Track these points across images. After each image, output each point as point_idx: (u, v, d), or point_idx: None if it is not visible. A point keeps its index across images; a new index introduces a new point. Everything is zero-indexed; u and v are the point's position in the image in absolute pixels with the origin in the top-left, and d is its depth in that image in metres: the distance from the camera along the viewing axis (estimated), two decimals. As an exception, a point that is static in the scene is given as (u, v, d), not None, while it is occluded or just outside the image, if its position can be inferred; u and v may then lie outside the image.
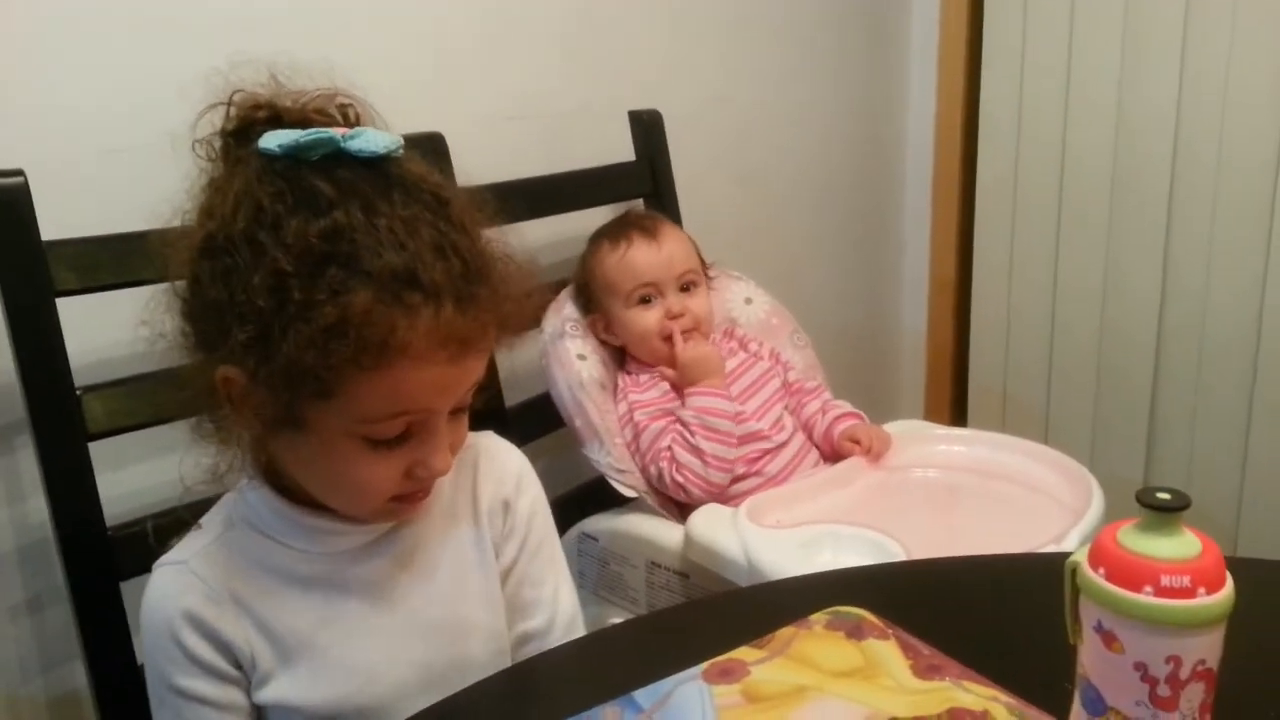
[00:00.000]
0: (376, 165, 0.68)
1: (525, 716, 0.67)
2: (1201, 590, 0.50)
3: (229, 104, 0.71)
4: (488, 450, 0.86)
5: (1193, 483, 1.87)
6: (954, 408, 2.29)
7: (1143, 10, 1.81)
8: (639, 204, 1.57)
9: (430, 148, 1.20)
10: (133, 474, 1.09)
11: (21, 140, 1.00)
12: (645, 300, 1.36)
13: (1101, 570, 0.52)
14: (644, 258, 1.36)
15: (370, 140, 0.68)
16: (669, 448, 1.30)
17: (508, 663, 0.83)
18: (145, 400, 0.99)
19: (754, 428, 1.34)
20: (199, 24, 1.12)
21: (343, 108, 0.73)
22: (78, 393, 0.94)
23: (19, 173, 0.90)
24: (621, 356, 1.43)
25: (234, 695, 0.76)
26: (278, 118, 0.70)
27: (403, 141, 0.70)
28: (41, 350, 0.92)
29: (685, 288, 1.38)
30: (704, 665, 0.71)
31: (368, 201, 0.66)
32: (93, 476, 0.94)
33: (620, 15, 1.61)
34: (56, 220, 0.94)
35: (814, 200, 2.07)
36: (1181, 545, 0.51)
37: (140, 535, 0.97)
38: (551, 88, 1.54)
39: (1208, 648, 0.51)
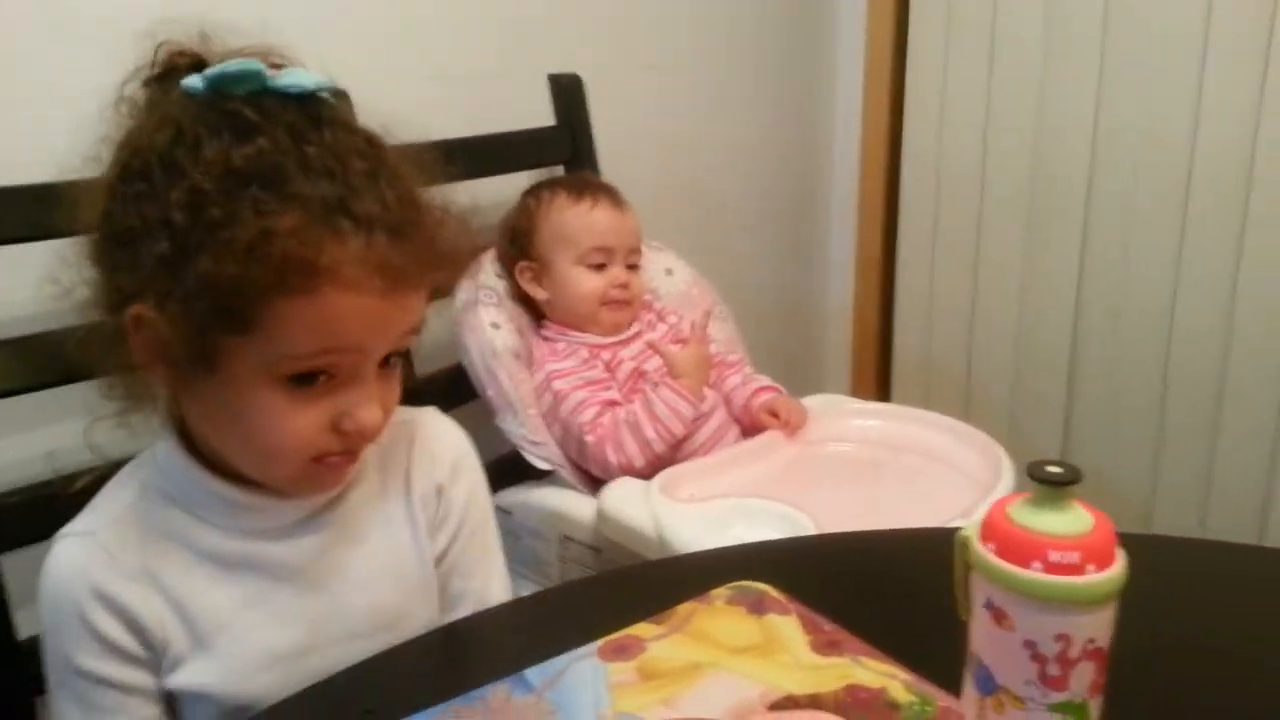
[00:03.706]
0: (306, 103, 0.66)
1: (411, 695, 0.65)
2: (1091, 567, 0.49)
3: (153, 61, 0.68)
4: (425, 429, 0.82)
5: (1109, 459, 1.90)
6: (879, 383, 2.30)
7: (1064, 7, 1.82)
8: (559, 170, 1.53)
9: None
10: (14, 442, 1.04)
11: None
12: (596, 264, 1.33)
13: (992, 545, 0.51)
14: (609, 221, 1.34)
15: (300, 77, 0.65)
16: (600, 423, 1.27)
17: None
18: (28, 364, 0.94)
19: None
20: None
21: (275, 67, 0.68)
22: (-50, 353, 0.88)
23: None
24: (535, 322, 1.39)
25: (142, 678, 0.71)
26: (201, 65, 0.66)
27: (334, 83, 0.67)
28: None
29: (632, 265, 1.37)
30: (600, 642, 0.70)
31: (297, 131, 0.64)
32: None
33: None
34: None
35: (740, 174, 2.05)
36: (1072, 521, 0.50)
37: (20, 506, 0.93)
38: (471, 48, 1.49)
39: (1098, 626, 0.50)
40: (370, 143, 0.67)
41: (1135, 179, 1.80)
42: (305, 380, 0.65)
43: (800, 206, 2.25)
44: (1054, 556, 0.49)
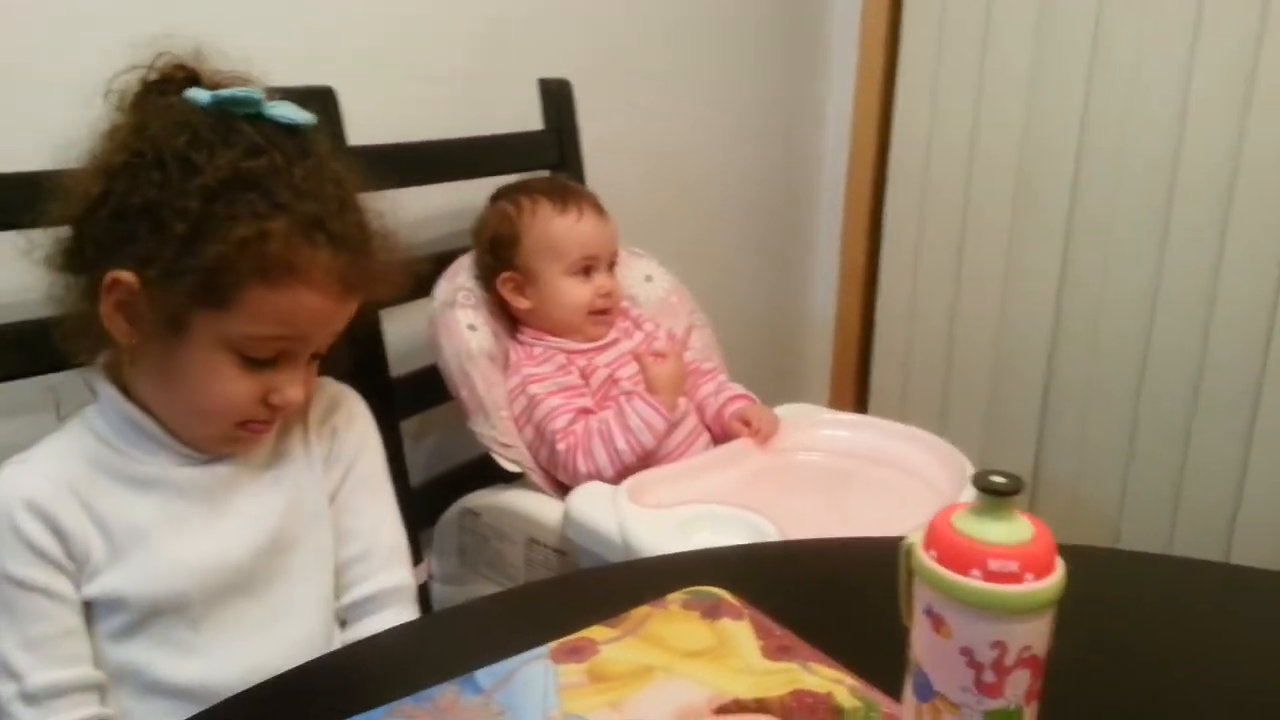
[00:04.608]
0: (293, 133, 0.79)
1: (362, 694, 0.65)
2: (1029, 576, 0.49)
3: (151, 66, 0.80)
4: (328, 386, 0.94)
5: (1081, 475, 1.91)
6: (857, 395, 2.31)
7: (1056, 17, 1.84)
8: (545, 175, 1.53)
9: (319, 103, 1.14)
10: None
11: None
12: (584, 272, 1.34)
13: (933, 552, 0.51)
14: (595, 231, 1.34)
15: (290, 111, 0.79)
16: (573, 430, 1.27)
17: (329, 580, 0.89)
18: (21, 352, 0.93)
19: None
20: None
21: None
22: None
23: None
24: (511, 326, 1.39)
25: (65, 586, 0.79)
26: (195, 80, 0.79)
27: (316, 120, 0.81)
28: None
29: (610, 267, 1.38)
30: (553, 644, 0.70)
31: (289, 156, 0.77)
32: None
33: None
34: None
35: (727, 183, 2.06)
36: (1013, 530, 0.51)
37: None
38: (460, 49, 1.49)
39: (1034, 635, 0.51)
40: (340, 175, 0.81)
41: (1116, 202, 1.82)
42: (253, 362, 0.79)
43: (786, 217, 2.26)
44: (993, 565, 0.49)
